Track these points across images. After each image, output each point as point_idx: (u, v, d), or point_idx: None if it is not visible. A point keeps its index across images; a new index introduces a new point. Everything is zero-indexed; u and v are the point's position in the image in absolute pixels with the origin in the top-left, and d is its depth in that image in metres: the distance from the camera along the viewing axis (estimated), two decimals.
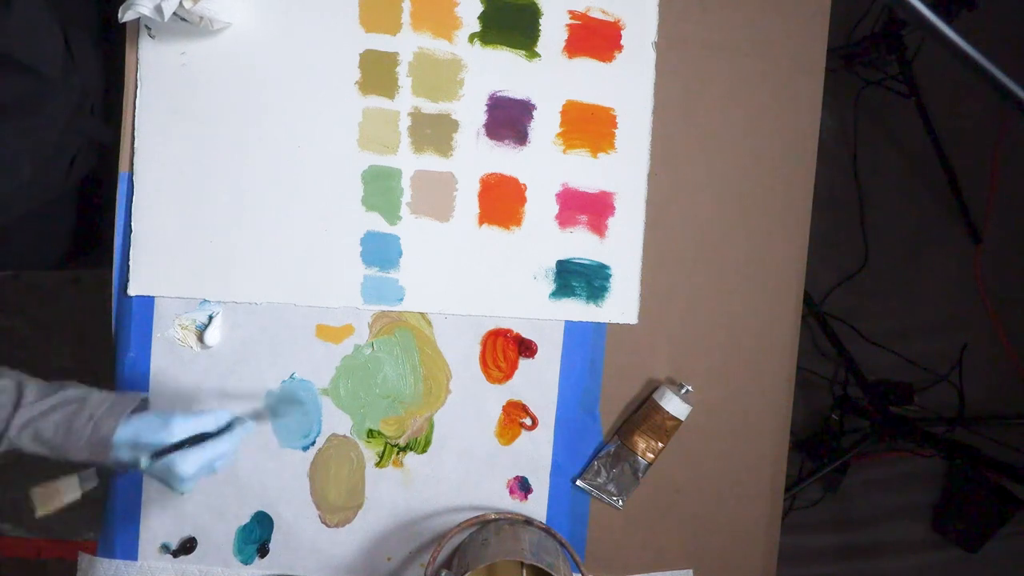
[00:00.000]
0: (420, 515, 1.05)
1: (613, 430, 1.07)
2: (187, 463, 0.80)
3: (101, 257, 1.03)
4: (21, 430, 0.78)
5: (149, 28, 0.97)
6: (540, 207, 1.04)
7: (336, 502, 1.04)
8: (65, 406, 0.80)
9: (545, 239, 1.04)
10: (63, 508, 0.77)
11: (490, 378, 1.05)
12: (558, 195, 1.04)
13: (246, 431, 0.87)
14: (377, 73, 1.01)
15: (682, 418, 1.03)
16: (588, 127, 1.04)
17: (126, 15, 0.89)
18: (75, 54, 0.95)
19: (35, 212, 0.98)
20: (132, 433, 0.80)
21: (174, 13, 0.90)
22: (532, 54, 1.03)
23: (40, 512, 0.76)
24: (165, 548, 1.02)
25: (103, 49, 1.00)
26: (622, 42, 1.04)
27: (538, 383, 1.05)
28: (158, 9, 0.88)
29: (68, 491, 0.77)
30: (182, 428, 0.81)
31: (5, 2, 0.82)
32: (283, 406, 0.99)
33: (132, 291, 1.00)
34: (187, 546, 1.02)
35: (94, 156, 1.03)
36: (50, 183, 0.98)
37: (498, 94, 1.03)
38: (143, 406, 0.88)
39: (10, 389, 0.80)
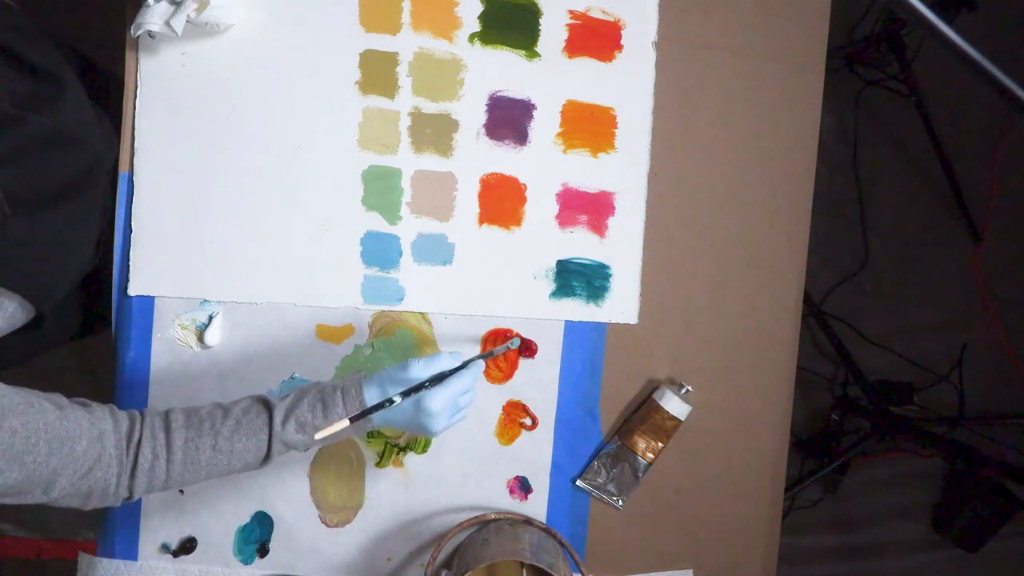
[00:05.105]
0: (420, 515, 1.05)
1: (613, 430, 1.07)
2: (434, 399, 0.83)
3: (103, 327, 1.02)
4: (284, 423, 0.82)
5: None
6: (540, 207, 1.04)
7: (336, 502, 1.04)
8: (304, 393, 0.84)
9: (545, 239, 1.04)
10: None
11: (490, 378, 1.04)
12: (558, 195, 1.04)
13: (479, 368, 0.89)
14: (377, 73, 1.01)
15: (682, 418, 1.03)
16: (588, 127, 1.04)
17: (137, 32, 0.91)
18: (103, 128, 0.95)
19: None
20: (377, 385, 0.84)
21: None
22: (532, 54, 1.03)
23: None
24: (165, 548, 1.02)
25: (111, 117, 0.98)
26: (622, 42, 1.04)
27: (538, 383, 1.05)
28: (168, 25, 0.90)
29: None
30: (420, 368, 0.84)
31: (61, 85, 0.86)
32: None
33: (132, 291, 1.00)
34: (187, 546, 1.02)
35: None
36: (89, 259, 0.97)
37: (498, 94, 1.03)
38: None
39: (247, 402, 0.84)
